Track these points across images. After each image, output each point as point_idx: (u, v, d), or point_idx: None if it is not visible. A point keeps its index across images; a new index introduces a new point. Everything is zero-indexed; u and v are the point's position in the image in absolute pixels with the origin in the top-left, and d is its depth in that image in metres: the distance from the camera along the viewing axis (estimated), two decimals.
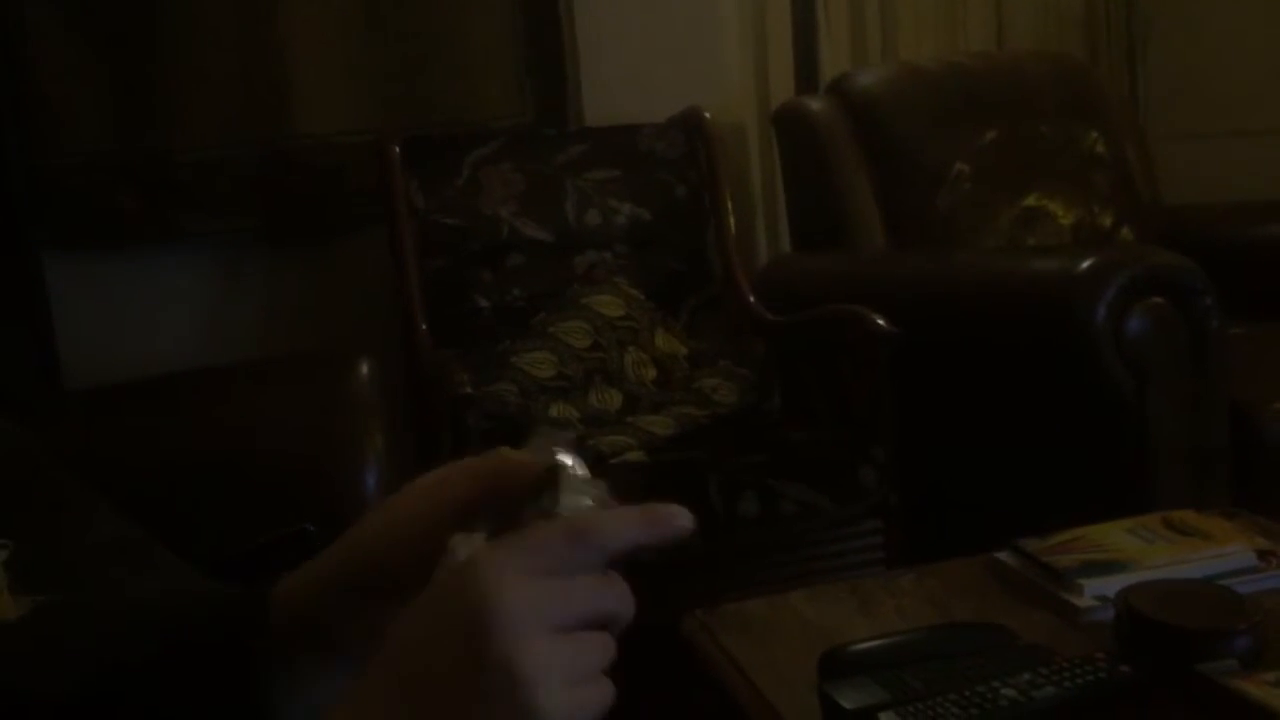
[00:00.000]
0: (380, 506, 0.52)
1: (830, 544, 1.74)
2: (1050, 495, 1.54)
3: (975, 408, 1.74)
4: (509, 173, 2.09)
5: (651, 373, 2.02)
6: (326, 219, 2.18)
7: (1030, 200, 2.21)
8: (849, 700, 0.87)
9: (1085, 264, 1.62)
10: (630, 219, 2.15)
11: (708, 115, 2.20)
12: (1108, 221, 2.26)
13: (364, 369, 1.27)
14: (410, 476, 0.53)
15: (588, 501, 0.44)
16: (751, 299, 2.11)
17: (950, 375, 1.77)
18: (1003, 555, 1.18)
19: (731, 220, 2.17)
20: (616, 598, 0.43)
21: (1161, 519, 1.18)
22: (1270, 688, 0.85)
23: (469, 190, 2.06)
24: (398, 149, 2.02)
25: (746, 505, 1.67)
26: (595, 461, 1.78)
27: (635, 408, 1.96)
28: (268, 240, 2.15)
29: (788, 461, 1.72)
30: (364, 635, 0.50)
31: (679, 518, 0.45)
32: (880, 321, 1.73)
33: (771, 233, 2.51)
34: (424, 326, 1.93)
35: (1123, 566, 1.07)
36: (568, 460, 0.46)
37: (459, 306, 2.02)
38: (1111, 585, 1.02)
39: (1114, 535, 1.15)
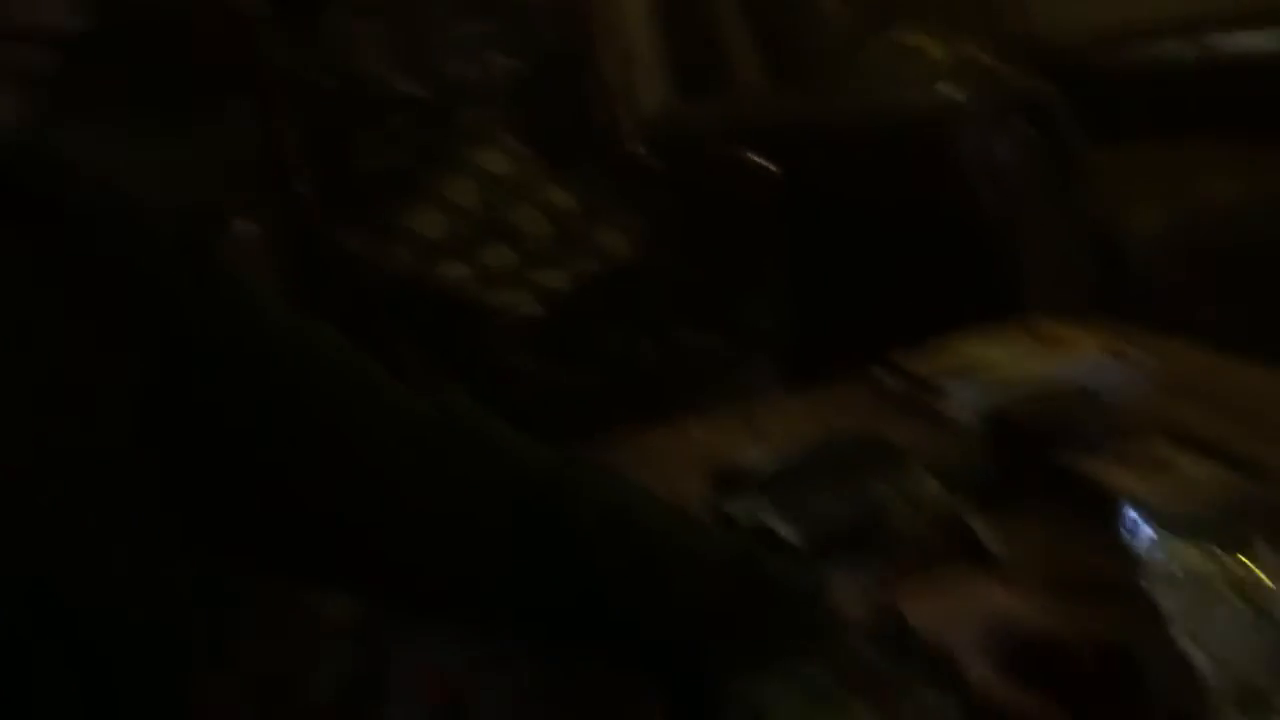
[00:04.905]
0: None
1: (727, 384, 1.80)
2: (931, 320, 1.61)
3: (858, 241, 1.80)
4: (379, 28, 2.03)
5: (546, 228, 2.03)
6: (191, 83, 2.09)
7: (900, 35, 2.24)
8: (740, 513, 0.94)
9: (954, 94, 1.66)
10: (510, 72, 2.12)
11: None
12: (976, 53, 2.30)
13: (241, 228, 1.26)
14: None
15: None
16: (639, 149, 2.12)
17: (834, 212, 1.82)
18: (878, 372, 1.25)
19: (613, 69, 2.15)
20: None
21: (1024, 328, 1.27)
22: (1120, 470, 0.93)
23: (340, 49, 2.00)
24: (260, 5, 1.94)
25: (644, 351, 1.71)
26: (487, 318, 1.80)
27: (531, 263, 1.97)
28: (134, 108, 2.06)
29: (682, 307, 1.77)
30: None
31: None
32: (762, 163, 1.76)
33: (654, 81, 2.49)
34: (303, 192, 1.90)
35: (988, 373, 1.14)
36: None
37: (339, 171, 1.99)
38: (978, 392, 1.09)
39: (980, 346, 1.23)
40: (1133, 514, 0.70)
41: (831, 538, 0.87)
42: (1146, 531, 0.69)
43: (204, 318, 0.57)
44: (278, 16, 1.93)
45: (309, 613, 0.64)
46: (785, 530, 0.89)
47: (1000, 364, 1.16)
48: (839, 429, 1.11)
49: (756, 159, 1.79)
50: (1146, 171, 1.91)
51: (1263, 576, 0.63)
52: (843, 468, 0.98)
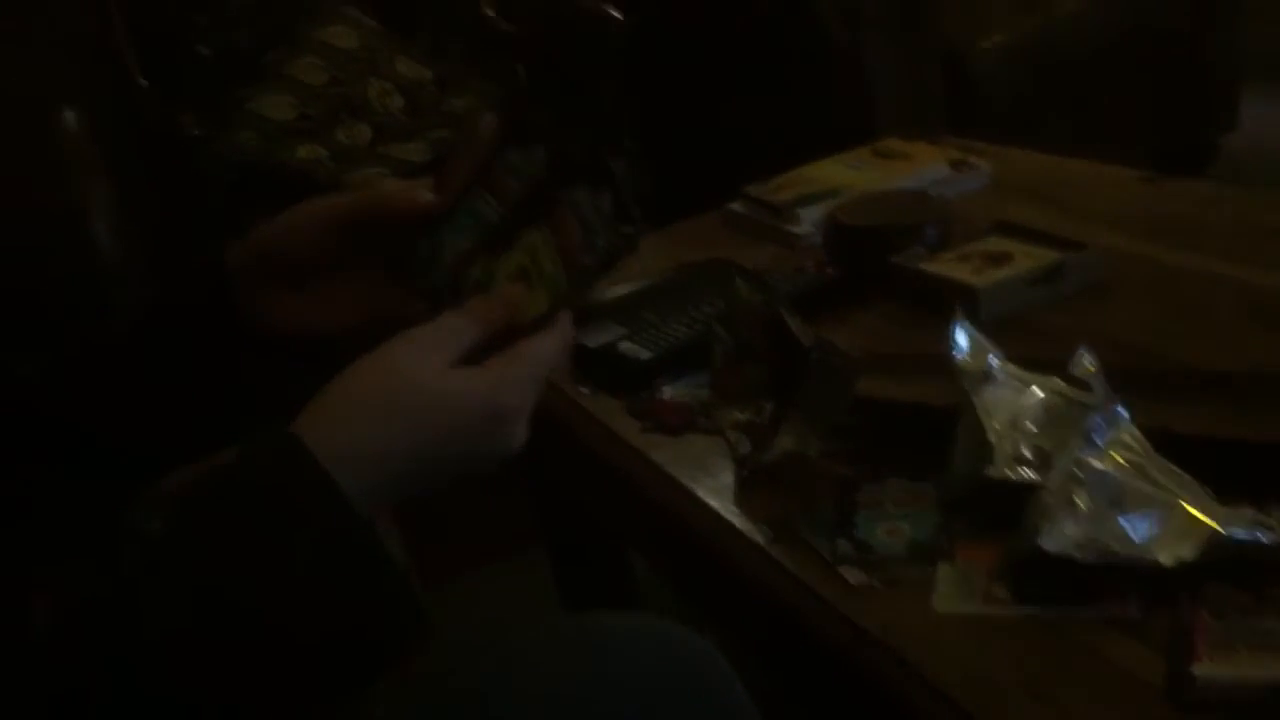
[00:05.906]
0: (284, 214, 0.60)
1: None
2: (786, 154, 1.62)
3: (711, 84, 1.78)
4: None
5: (399, 101, 1.98)
6: None
7: None
8: (592, 340, 0.94)
9: None
10: None
11: None
12: None
13: (70, 118, 1.20)
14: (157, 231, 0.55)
15: None
16: (489, 11, 2.06)
17: (685, 56, 1.80)
18: (734, 205, 1.26)
19: None
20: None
21: (871, 149, 1.28)
22: (951, 262, 0.96)
23: None
24: None
25: None
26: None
27: (386, 138, 1.92)
28: None
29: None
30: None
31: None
32: (610, 10, 1.73)
33: None
34: (143, 82, 1.81)
35: (835, 193, 1.16)
36: None
37: (178, 57, 1.90)
38: (823, 209, 1.11)
39: (828, 169, 1.24)
40: (958, 313, 0.74)
41: (671, 350, 0.90)
42: (964, 327, 0.73)
43: None
44: None
45: None
46: (629, 347, 0.91)
47: (847, 184, 1.18)
48: (689, 260, 1.12)
49: (601, 5, 1.76)
50: None
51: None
52: (682, 291, 1.00)
